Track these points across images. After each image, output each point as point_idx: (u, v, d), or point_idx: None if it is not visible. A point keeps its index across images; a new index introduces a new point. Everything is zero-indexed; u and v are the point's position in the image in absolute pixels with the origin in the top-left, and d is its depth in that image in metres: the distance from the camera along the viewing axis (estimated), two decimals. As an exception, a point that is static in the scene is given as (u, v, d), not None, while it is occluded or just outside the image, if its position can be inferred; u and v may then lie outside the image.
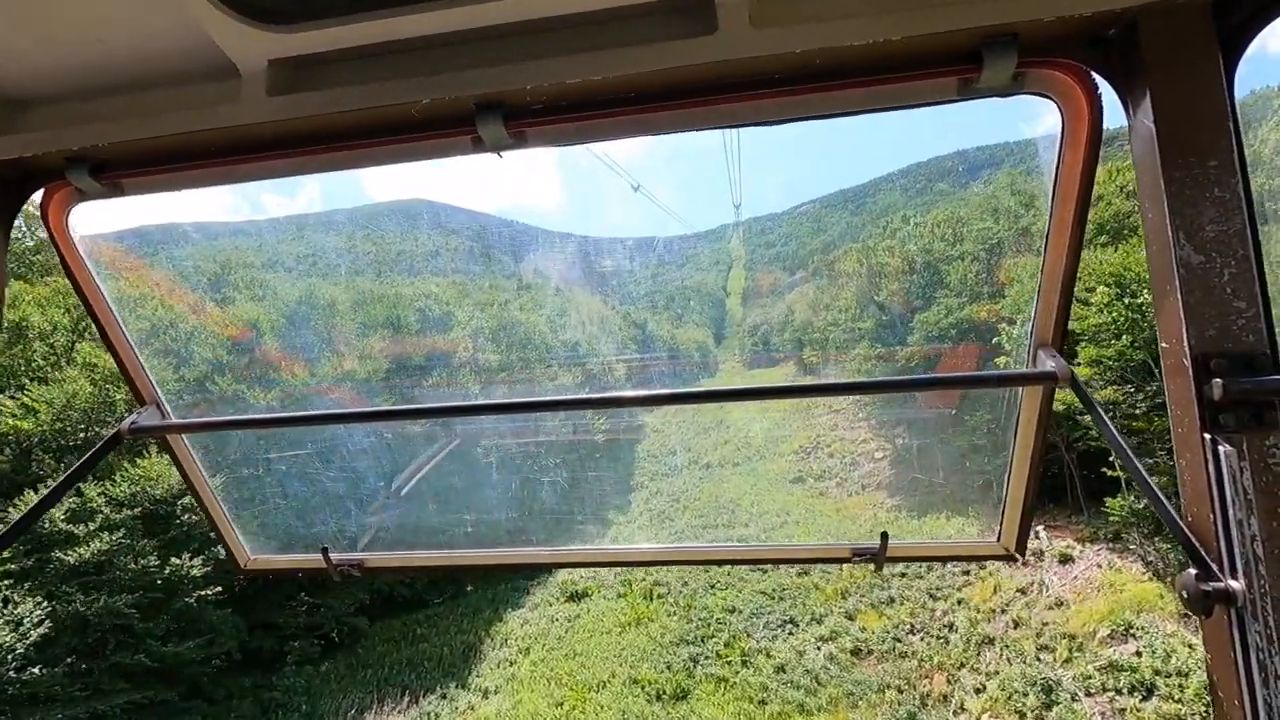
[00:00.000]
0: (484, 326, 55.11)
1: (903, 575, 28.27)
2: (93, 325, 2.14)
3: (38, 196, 1.68)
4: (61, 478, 1.92)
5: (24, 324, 25.11)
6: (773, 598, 29.93)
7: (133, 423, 1.98)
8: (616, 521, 43.17)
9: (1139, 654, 19.27)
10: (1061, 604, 22.34)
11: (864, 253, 41.56)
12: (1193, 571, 1.11)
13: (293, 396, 30.61)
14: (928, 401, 36.95)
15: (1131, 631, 20.09)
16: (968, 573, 26.74)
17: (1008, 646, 21.65)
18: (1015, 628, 22.31)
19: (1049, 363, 1.68)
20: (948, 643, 23.27)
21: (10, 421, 22.84)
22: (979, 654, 22.09)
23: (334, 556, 2.33)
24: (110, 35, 1.33)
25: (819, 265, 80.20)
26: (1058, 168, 1.48)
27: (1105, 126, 1.38)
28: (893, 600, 26.86)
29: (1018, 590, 24.09)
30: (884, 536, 2.09)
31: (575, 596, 32.55)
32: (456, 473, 35.15)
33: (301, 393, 31.24)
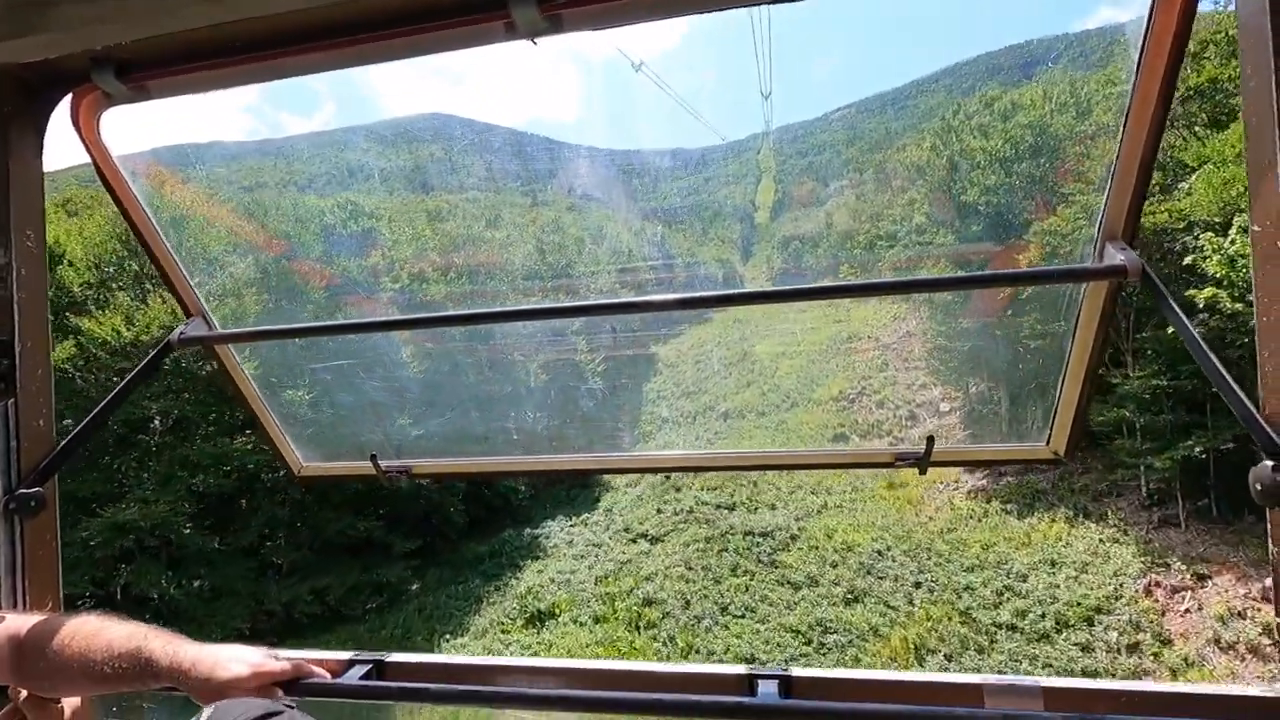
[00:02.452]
0: (487, 243, 46.10)
1: (1014, 630, 16.91)
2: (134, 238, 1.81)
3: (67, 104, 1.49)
4: (118, 388, 1.72)
5: None
6: (809, 641, 19.02)
7: (181, 333, 1.81)
8: (614, 485, 32.44)
9: None
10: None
11: (943, 135, 27.69)
12: (1268, 464, 0.98)
13: (331, 308, 26.71)
14: (991, 315, 24.51)
15: None
16: (1137, 634, 15.20)
17: None
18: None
19: (1118, 256, 1.34)
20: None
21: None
22: None
23: (382, 463, 2.00)
24: None
25: (865, 166, 65.73)
26: (1145, 36, 1.18)
27: None
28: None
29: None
30: (930, 440, 1.65)
31: (538, 619, 22.12)
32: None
33: (339, 303, 27.61)
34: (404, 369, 25.82)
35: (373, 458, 1.96)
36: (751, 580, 22.13)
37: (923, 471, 1.72)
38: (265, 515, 20.77)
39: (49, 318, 1.49)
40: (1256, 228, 1.01)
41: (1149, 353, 18.47)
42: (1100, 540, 18.54)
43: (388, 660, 1.39)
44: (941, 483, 25.11)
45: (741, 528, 25.10)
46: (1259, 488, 1.00)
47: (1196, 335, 1.21)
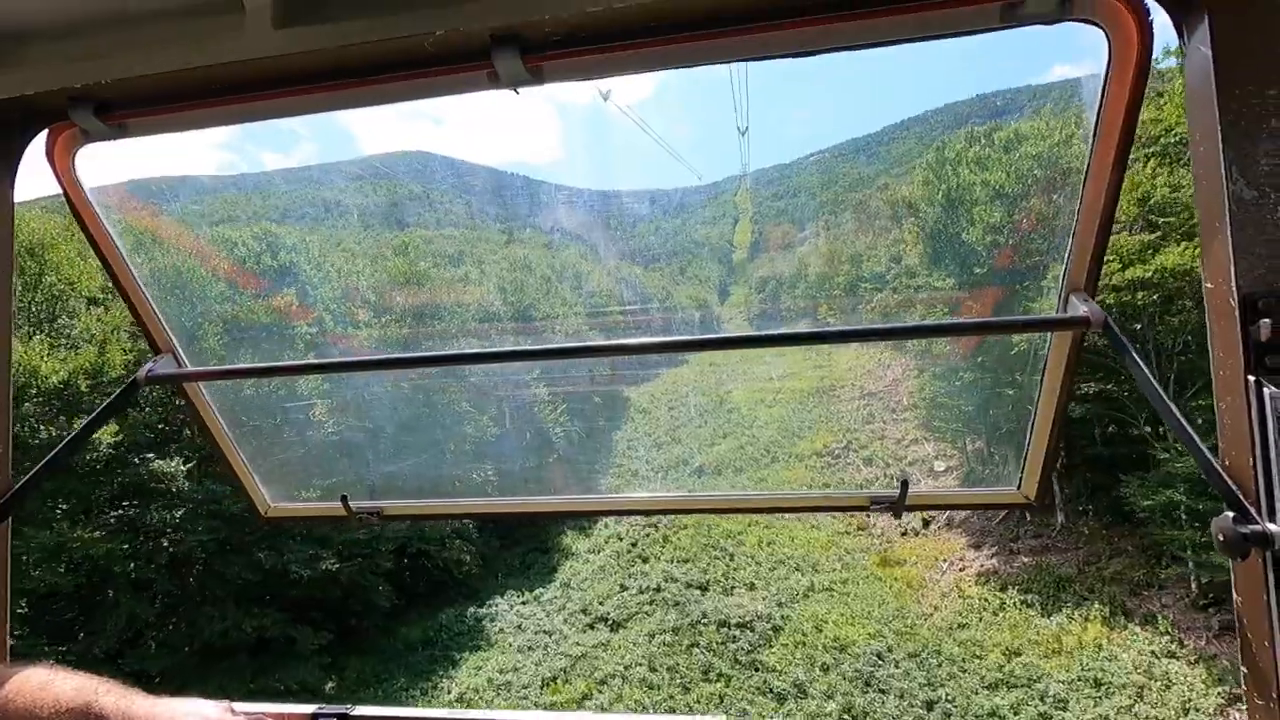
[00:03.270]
0: (461, 281, 42.03)
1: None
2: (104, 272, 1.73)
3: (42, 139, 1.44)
4: (80, 426, 1.69)
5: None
6: (799, 781, 14.91)
7: (149, 371, 1.73)
8: (574, 551, 28.09)
9: None
10: None
11: (936, 169, 24.68)
12: (1230, 515, 0.98)
13: (307, 346, 25.81)
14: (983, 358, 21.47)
15: None
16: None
17: None
18: None
19: (1081, 307, 1.39)
20: None
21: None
22: None
23: (353, 504, 1.96)
24: None
25: (841, 208, 63.85)
26: (1101, 101, 1.22)
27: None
28: None
29: None
30: (904, 485, 1.65)
31: (466, 739, 17.68)
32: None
33: (314, 342, 26.50)
34: (375, 409, 23.94)
35: (343, 498, 1.89)
36: (727, 687, 17.91)
37: (898, 516, 1.71)
38: (125, 615, 16.20)
39: (11, 351, 1.45)
40: (1209, 285, 1.02)
41: (1199, 423, 15.08)
42: (1153, 652, 14.71)
43: (353, 714, 1.33)
44: (944, 560, 21.28)
45: (715, 615, 20.91)
46: (1221, 539, 0.98)
47: (1158, 386, 1.19)
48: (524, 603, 24.48)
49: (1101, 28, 1.11)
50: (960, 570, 20.21)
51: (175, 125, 1.35)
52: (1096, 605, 16.53)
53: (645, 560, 25.63)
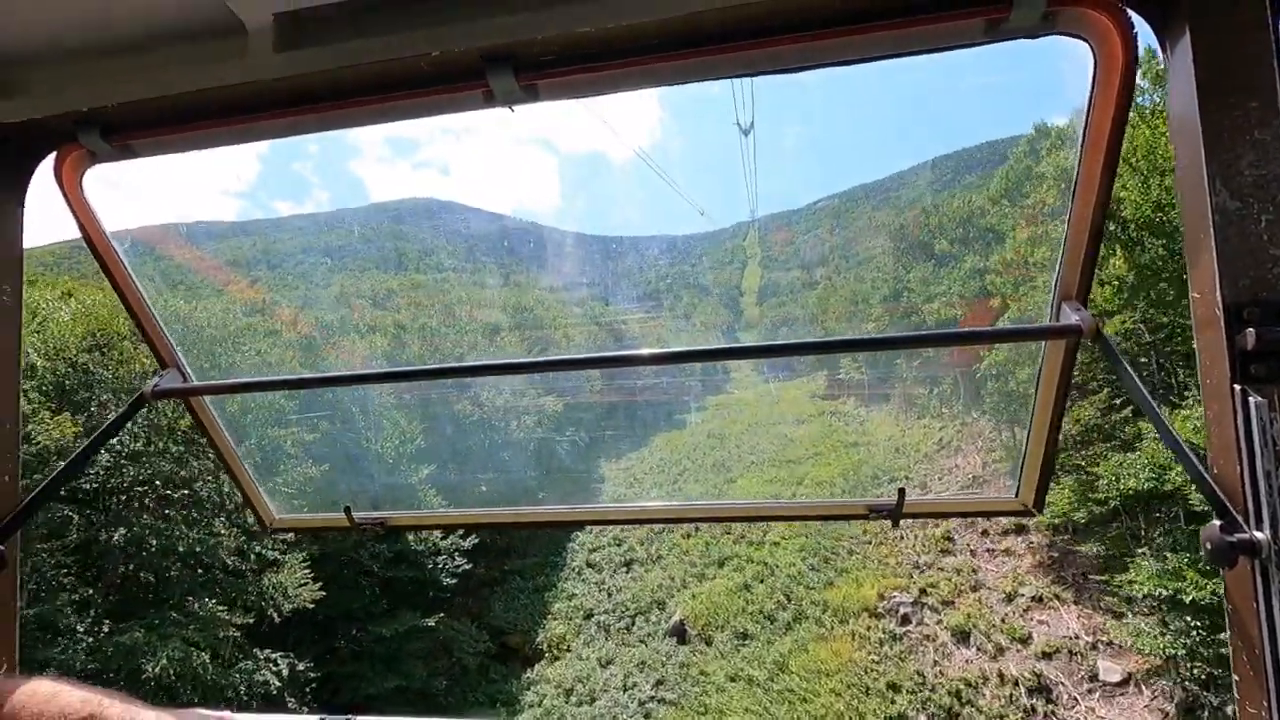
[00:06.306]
0: (457, 323, 37.81)
1: None
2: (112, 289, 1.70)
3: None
4: (87, 441, 1.62)
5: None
6: None
7: (155, 385, 1.64)
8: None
9: None
10: None
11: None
12: (1217, 523, 0.93)
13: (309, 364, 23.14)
14: None
15: None
16: None
17: None
18: None
19: (1073, 316, 1.31)
20: None
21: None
22: None
23: (357, 515, 1.85)
24: None
25: (850, 253, 52.52)
26: (1088, 114, 1.16)
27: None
28: None
29: None
30: (901, 492, 1.56)
31: None
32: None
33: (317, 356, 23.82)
34: (381, 422, 21.31)
35: (346, 510, 1.80)
36: None
37: (895, 524, 1.59)
38: None
39: (19, 369, 1.39)
40: (1195, 294, 0.98)
41: None
42: None
43: None
44: None
45: None
46: (1209, 548, 0.94)
47: (1147, 395, 1.12)
48: None
49: (1086, 40, 1.07)
50: None
51: (180, 146, 1.31)
52: None
53: None
